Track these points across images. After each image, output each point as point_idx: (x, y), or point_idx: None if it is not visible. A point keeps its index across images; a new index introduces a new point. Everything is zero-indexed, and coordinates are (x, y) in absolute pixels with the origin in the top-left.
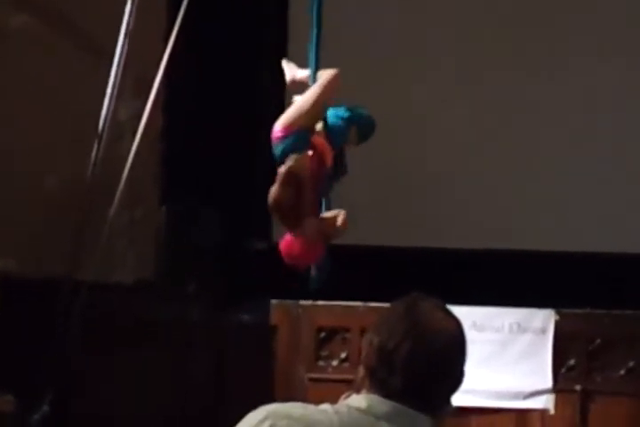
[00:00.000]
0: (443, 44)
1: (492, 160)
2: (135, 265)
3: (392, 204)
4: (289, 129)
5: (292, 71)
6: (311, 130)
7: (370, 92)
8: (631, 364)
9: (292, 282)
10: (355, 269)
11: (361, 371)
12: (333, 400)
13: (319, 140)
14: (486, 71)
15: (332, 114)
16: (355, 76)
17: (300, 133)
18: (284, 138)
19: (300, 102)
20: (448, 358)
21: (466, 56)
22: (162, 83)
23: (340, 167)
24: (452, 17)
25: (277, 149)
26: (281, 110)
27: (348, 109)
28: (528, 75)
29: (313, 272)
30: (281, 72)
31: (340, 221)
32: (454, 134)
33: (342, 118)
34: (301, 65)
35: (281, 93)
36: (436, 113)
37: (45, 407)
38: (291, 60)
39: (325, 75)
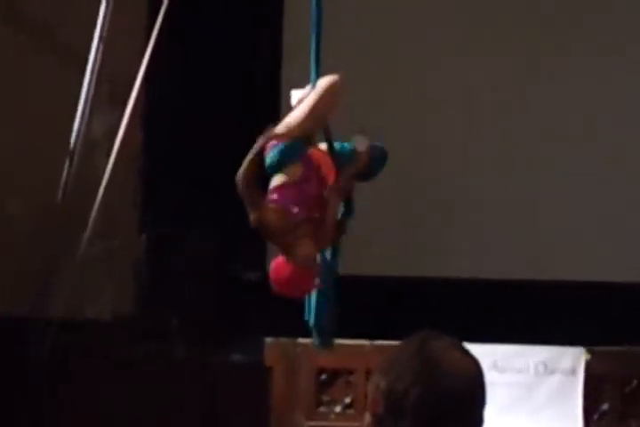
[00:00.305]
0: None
1: (513, 187)
2: (112, 299)
3: (399, 230)
4: (282, 139)
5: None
6: (310, 142)
7: (371, 111)
8: None
9: (289, 317)
10: (360, 303)
11: (367, 418)
12: None
13: (318, 154)
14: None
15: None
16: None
17: (293, 143)
18: (274, 147)
19: (295, 111)
20: (465, 403)
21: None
22: (141, 92)
23: (348, 207)
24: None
25: (267, 158)
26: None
27: None
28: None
29: (314, 321)
30: (275, 82)
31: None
32: (475, 160)
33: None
34: (299, 68)
35: (276, 105)
36: (444, 143)
37: None
38: (286, 65)
39: (324, 82)
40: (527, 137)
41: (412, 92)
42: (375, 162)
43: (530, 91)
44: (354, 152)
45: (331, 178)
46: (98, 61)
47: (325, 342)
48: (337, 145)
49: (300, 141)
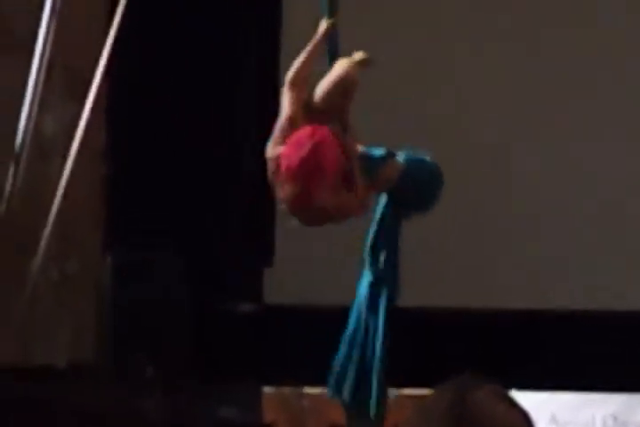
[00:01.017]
0: None
1: (568, 215)
2: (69, 340)
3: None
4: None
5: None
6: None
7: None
8: None
9: (292, 360)
10: None
11: None
12: None
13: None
14: None
15: None
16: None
17: None
18: None
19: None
20: None
21: None
22: (103, 84)
23: None
24: None
25: None
26: (266, 124)
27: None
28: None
29: None
30: (269, 77)
31: None
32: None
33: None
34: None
35: (260, 105)
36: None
37: None
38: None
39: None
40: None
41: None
42: (419, 185)
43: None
44: (380, 161)
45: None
46: (49, 44)
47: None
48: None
49: None
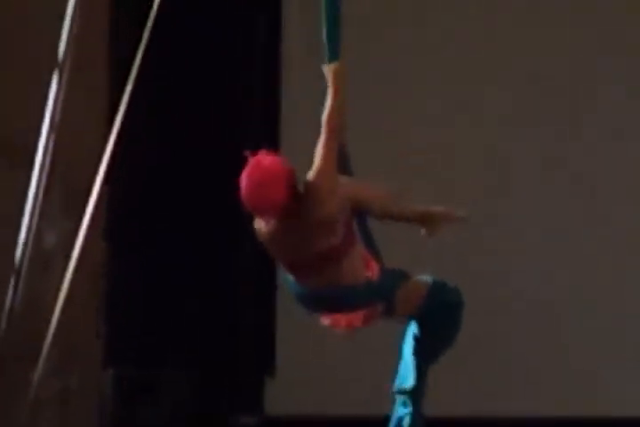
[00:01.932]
0: None
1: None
2: None
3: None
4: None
5: None
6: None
7: None
8: None
9: None
10: None
11: None
12: None
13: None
14: None
15: None
16: None
17: None
18: None
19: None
20: None
21: None
22: (101, 198)
23: None
24: None
25: None
26: None
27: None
28: None
29: None
30: None
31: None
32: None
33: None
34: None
35: None
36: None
37: None
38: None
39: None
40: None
41: None
42: (437, 309)
43: None
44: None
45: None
46: (49, 154)
47: None
48: None
49: None
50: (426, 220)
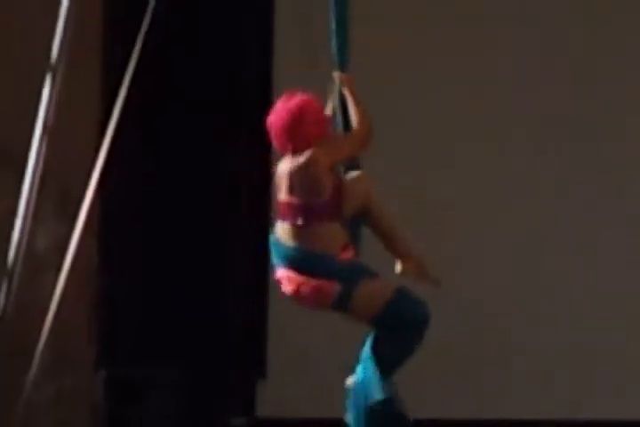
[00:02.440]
0: None
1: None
2: None
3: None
4: None
5: None
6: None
7: None
8: None
9: None
10: None
11: None
12: None
13: None
14: None
15: None
16: None
17: None
18: None
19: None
20: None
21: None
22: (95, 201)
23: None
24: None
25: None
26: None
27: None
28: None
29: None
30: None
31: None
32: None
33: None
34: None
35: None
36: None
37: None
38: None
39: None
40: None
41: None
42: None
43: None
44: None
45: None
46: (41, 162)
47: None
48: None
49: None
50: (404, 261)
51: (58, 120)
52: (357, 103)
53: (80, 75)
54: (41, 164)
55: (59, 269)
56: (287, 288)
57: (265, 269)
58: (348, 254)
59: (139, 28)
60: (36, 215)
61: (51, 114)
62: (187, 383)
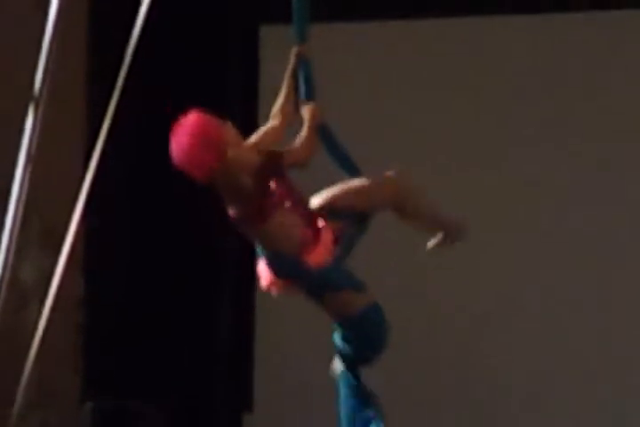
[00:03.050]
0: None
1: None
2: None
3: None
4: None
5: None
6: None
7: None
8: None
9: None
10: None
11: None
12: None
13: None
14: None
15: None
16: None
17: None
18: None
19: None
20: None
21: None
22: (78, 234)
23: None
24: None
25: None
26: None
27: None
28: None
29: None
30: None
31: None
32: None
33: None
34: None
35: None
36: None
37: None
38: None
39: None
40: None
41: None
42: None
43: None
44: None
45: None
46: (24, 190)
47: None
48: None
49: None
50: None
51: (42, 151)
52: (313, 130)
53: (65, 105)
54: (24, 195)
55: (44, 302)
56: (263, 284)
57: (253, 301)
58: (316, 254)
59: (123, 57)
60: (20, 248)
61: (34, 145)
62: (173, 416)
